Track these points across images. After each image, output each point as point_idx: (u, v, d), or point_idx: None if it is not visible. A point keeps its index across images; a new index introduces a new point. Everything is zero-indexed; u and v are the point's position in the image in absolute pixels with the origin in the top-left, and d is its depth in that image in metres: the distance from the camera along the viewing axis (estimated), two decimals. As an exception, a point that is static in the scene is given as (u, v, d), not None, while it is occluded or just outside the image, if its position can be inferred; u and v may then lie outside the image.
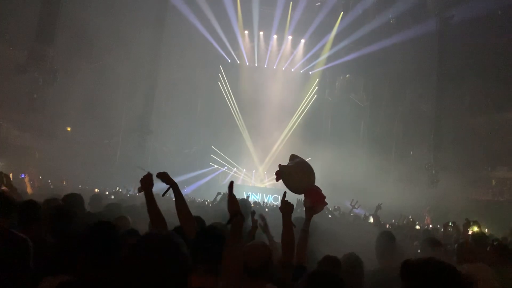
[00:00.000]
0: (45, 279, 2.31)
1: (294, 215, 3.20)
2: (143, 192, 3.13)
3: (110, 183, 16.26)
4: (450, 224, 6.36)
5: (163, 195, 3.12)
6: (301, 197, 3.52)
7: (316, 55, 25.63)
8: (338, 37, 24.10)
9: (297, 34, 25.37)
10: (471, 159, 19.69)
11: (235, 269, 2.33)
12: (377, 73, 23.62)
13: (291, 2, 24.13)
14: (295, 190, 3.44)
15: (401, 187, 18.64)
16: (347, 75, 25.50)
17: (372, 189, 18.48)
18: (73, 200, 4.69)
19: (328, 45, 24.85)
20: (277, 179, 3.41)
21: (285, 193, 3.21)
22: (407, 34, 20.61)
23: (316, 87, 26.68)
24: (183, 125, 24.12)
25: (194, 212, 3.24)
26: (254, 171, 25.81)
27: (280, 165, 3.43)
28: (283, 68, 26.37)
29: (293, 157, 3.57)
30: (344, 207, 10.17)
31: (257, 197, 22.63)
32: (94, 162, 19.38)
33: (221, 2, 22.85)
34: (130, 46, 20.13)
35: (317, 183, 3.45)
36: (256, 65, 26.33)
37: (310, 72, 26.71)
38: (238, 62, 26.17)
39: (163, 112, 22.25)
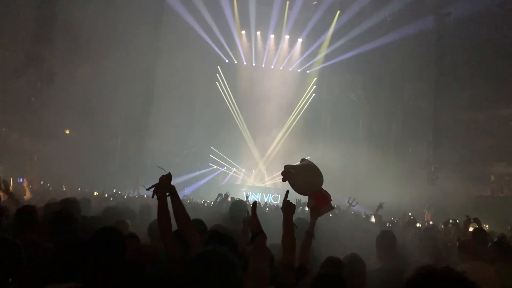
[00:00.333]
0: (49, 287, 2.30)
1: (294, 216, 3.19)
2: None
3: (110, 185, 16.24)
4: (450, 221, 6.35)
5: (148, 189, 3.06)
6: (301, 196, 3.51)
7: (314, 54, 25.61)
8: (335, 35, 24.09)
9: (294, 33, 25.34)
10: (470, 155, 19.74)
11: None
12: (374, 71, 23.61)
13: (287, 1, 24.10)
14: (301, 191, 3.42)
15: (400, 184, 18.65)
16: (345, 73, 25.49)
17: (371, 186, 18.51)
18: (69, 204, 4.69)
19: (326, 44, 24.84)
20: (283, 180, 3.40)
21: (287, 192, 3.16)
22: (404, 32, 20.64)
23: (314, 86, 26.67)
24: (182, 125, 24.09)
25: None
26: (253, 170, 25.80)
27: (286, 166, 3.41)
28: (281, 68, 26.35)
29: (303, 160, 3.57)
30: (344, 206, 10.17)
31: (257, 197, 22.62)
32: (93, 164, 19.34)
33: (217, 2, 22.80)
34: (128, 48, 20.09)
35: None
36: (253, 64, 26.30)
37: (307, 71, 26.69)
38: (236, 62, 26.14)
39: (162, 113, 22.19)
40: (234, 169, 25.50)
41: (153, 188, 3.00)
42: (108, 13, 19.14)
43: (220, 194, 10.13)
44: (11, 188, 8.41)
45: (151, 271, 2.71)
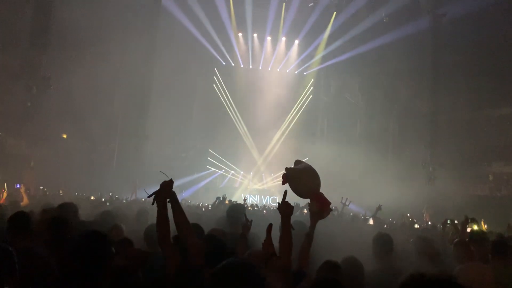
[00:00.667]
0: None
1: (292, 219, 3.15)
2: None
3: (107, 189, 16.19)
4: (448, 222, 6.33)
5: (149, 196, 2.99)
6: (300, 200, 3.48)
7: (311, 56, 25.66)
8: (332, 37, 24.13)
9: (291, 35, 25.38)
10: (468, 155, 19.75)
11: None
12: (371, 71, 23.65)
13: (284, 3, 24.14)
14: (302, 194, 3.38)
15: (398, 185, 18.64)
16: (342, 75, 25.52)
17: (369, 187, 18.50)
18: (67, 209, 4.68)
19: (322, 45, 24.88)
20: (283, 182, 3.35)
21: (285, 192, 3.05)
22: (401, 32, 20.66)
23: (311, 87, 26.71)
24: (179, 129, 24.06)
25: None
26: (251, 173, 25.78)
27: (287, 168, 3.37)
28: (278, 70, 26.38)
29: (298, 162, 3.52)
30: (341, 207, 10.17)
31: (255, 199, 22.60)
32: (90, 168, 19.29)
33: (214, 5, 22.82)
34: (124, 51, 20.08)
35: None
36: (250, 67, 26.32)
37: (304, 73, 26.73)
38: (233, 64, 26.15)
39: (159, 117, 22.17)
40: (232, 171, 25.47)
41: (154, 195, 2.96)
42: (104, 17, 19.11)
43: (218, 197, 10.14)
44: (5, 193, 8.40)
45: (143, 276, 2.70)
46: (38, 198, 9.56)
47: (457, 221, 6.25)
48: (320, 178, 3.37)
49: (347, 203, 9.18)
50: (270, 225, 2.64)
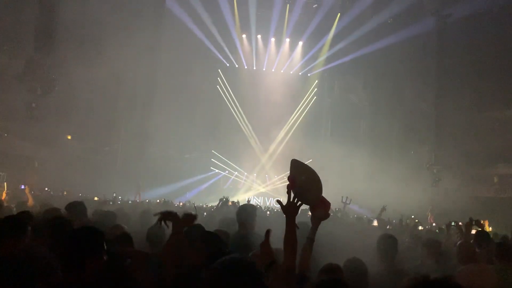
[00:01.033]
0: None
1: (297, 220, 3.07)
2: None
3: (111, 190, 16.23)
4: (452, 224, 6.30)
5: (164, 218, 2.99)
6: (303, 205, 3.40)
7: (315, 57, 25.63)
8: (336, 38, 24.10)
9: (295, 36, 25.38)
10: (473, 156, 19.66)
11: None
12: (376, 73, 23.58)
13: (288, 5, 24.14)
14: (308, 202, 3.25)
15: (402, 186, 18.58)
16: (346, 76, 25.47)
17: (374, 189, 18.44)
18: (75, 209, 4.72)
19: (326, 47, 24.85)
20: (291, 187, 3.07)
21: (290, 192, 2.79)
22: (405, 34, 20.62)
23: (315, 89, 26.69)
24: (183, 130, 24.08)
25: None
26: (255, 174, 25.75)
27: (291, 175, 3.13)
28: (282, 71, 26.37)
29: (295, 162, 3.28)
30: (342, 206, 10.15)
31: (259, 201, 22.60)
32: (94, 169, 19.35)
33: (218, 7, 22.85)
34: (128, 53, 20.13)
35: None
36: (254, 68, 26.33)
37: (309, 74, 26.71)
38: (237, 66, 26.16)
39: (163, 118, 22.20)
40: (236, 172, 25.46)
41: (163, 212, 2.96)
42: (108, 19, 19.17)
43: (221, 199, 10.16)
44: (4, 193, 8.46)
45: (139, 275, 2.69)
46: (42, 199, 9.58)
47: (462, 223, 6.22)
48: (324, 179, 3.32)
49: (348, 202, 9.17)
50: (268, 231, 2.53)
